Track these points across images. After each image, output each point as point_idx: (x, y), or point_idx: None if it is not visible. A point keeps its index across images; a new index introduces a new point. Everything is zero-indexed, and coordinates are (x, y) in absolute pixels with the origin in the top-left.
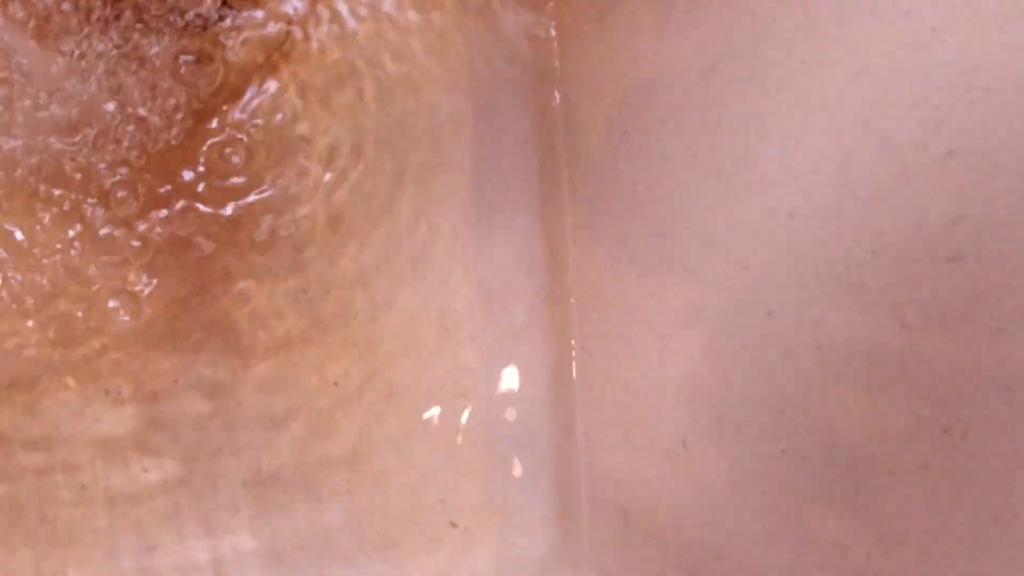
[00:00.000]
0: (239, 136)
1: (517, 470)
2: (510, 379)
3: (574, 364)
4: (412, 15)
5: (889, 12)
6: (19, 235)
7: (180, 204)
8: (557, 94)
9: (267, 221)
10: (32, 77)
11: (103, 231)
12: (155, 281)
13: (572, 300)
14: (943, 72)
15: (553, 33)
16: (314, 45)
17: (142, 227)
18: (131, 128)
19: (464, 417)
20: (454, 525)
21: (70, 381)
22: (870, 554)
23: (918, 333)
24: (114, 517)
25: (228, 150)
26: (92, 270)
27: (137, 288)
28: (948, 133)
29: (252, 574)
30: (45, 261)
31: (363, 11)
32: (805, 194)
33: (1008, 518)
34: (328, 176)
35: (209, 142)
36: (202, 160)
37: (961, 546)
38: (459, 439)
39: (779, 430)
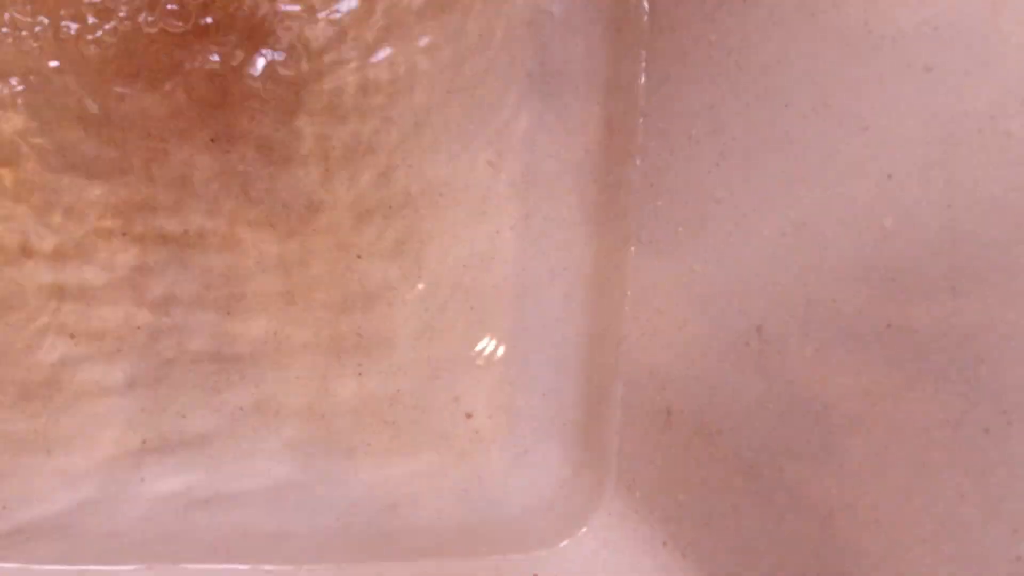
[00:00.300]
0: None
1: (542, 370)
2: (546, 273)
3: (632, 251)
4: None
5: None
6: None
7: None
8: None
9: (302, 67)
10: None
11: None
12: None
13: (633, 175)
14: None
15: None
16: None
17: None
18: None
19: (491, 308)
20: (468, 416)
21: None
22: (988, 430)
23: None
24: None
25: None
26: None
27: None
28: None
29: (261, 453)
30: None
31: None
32: (946, 46)
33: None
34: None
35: None
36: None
37: None
38: (482, 333)
39: (886, 303)
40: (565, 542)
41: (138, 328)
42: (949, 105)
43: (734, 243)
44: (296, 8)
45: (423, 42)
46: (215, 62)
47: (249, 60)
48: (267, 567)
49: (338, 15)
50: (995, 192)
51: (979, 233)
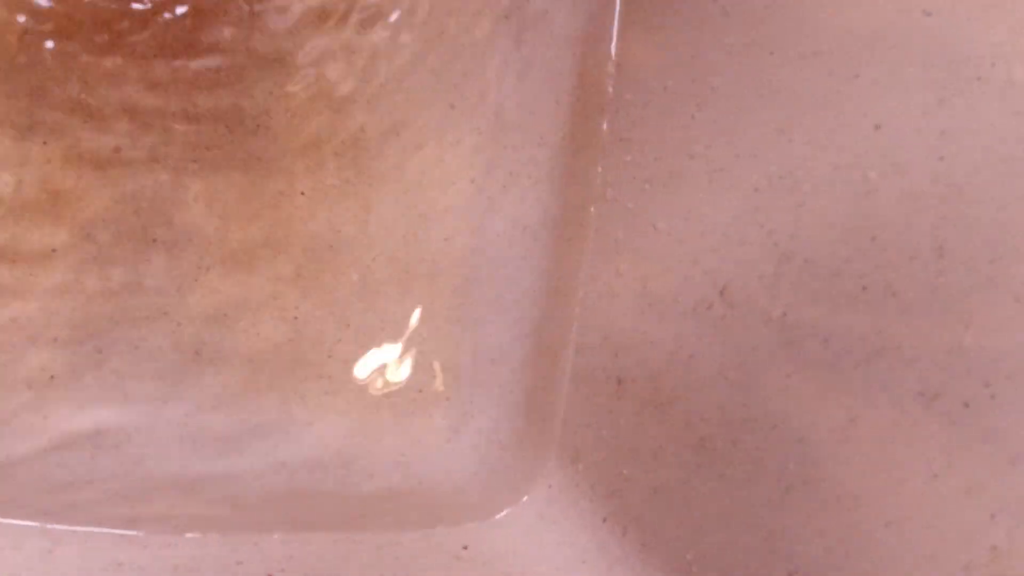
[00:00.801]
0: None
1: (492, 332)
2: (503, 230)
3: (595, 210)
4: None
5: None
6: None
7: None
8: None
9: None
10: None
11: None
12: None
13: (603, 128)
14: None
15: None
16: None
17: None
18: None
19: (442, 262)
20: (410, 376)
21: None
22: (968, 404)
23: None
24: None
25: None
26: None
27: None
28: None
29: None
30: None
31: None
32: None
33: None
34: None
35: None
36: None
37: None
38: (432, 289)
39: (864, 262)
40: (501, 514)
41: (54, 251)
42: (948, 51)
43: (703, 199)
44: None
45: None
46: None
47: None
48: (189, 534)
49: None
50: (991, 143)
51: (970, 187)
